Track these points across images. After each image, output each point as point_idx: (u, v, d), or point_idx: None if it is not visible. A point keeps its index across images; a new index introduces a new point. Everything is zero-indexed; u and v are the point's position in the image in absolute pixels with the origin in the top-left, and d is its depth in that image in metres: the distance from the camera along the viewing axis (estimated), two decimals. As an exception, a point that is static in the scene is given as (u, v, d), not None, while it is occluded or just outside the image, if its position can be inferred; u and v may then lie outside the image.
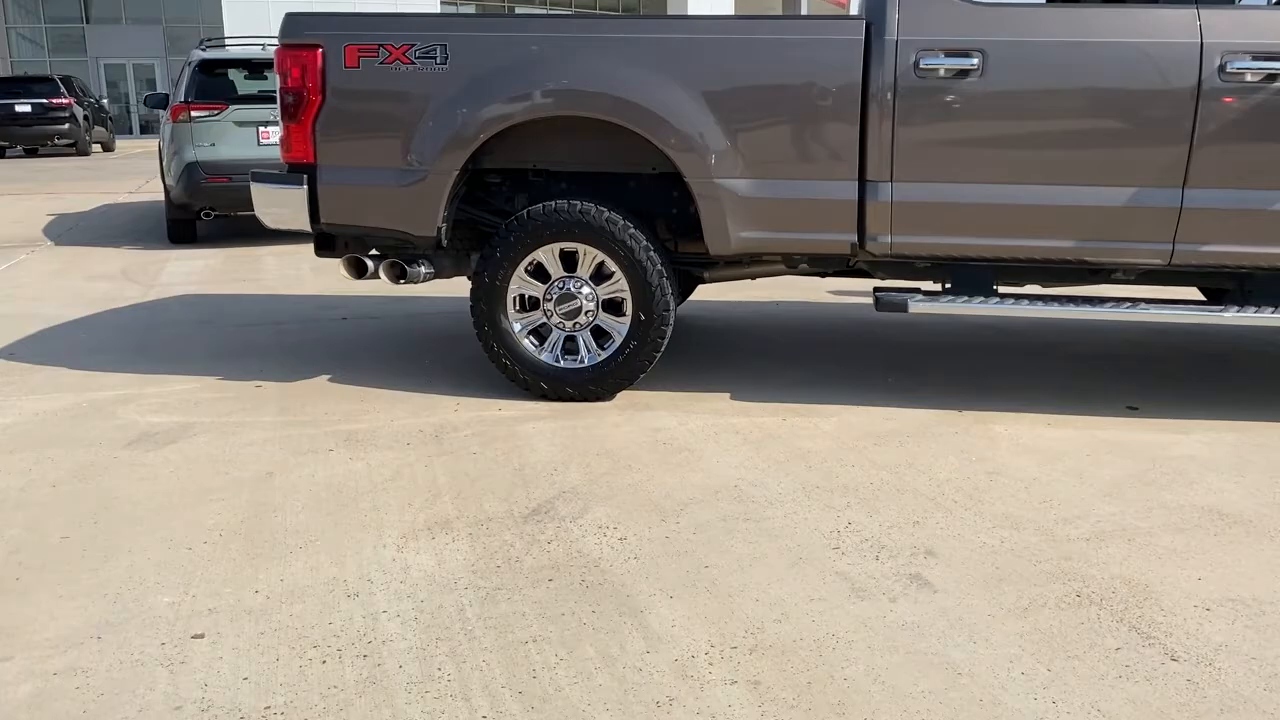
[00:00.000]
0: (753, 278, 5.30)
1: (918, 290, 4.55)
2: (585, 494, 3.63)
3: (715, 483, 3.72)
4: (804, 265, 4.87)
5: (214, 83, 9.89)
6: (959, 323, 6.30)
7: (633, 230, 4.51)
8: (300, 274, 8.24)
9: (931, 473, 3.81)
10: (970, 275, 4.52)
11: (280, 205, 4.77)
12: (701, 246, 5.01)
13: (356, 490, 3.69)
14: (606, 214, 4.51)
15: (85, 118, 24.95)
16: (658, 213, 4.88)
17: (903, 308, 4.40)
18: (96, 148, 26.06)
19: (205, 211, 9.52)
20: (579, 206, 4.52)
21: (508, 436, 4.24)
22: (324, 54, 4.56)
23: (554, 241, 4.56)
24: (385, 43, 4.52)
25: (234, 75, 10.39)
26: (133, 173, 18.15)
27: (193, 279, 8.12)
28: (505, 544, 3.24)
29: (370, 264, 4.74)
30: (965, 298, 4.44)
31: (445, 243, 4.67)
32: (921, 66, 4.20)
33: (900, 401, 4.67)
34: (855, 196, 4.35)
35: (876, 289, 4.57)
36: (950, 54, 4.19)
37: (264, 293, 7.52)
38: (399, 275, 4.74)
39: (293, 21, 4.62)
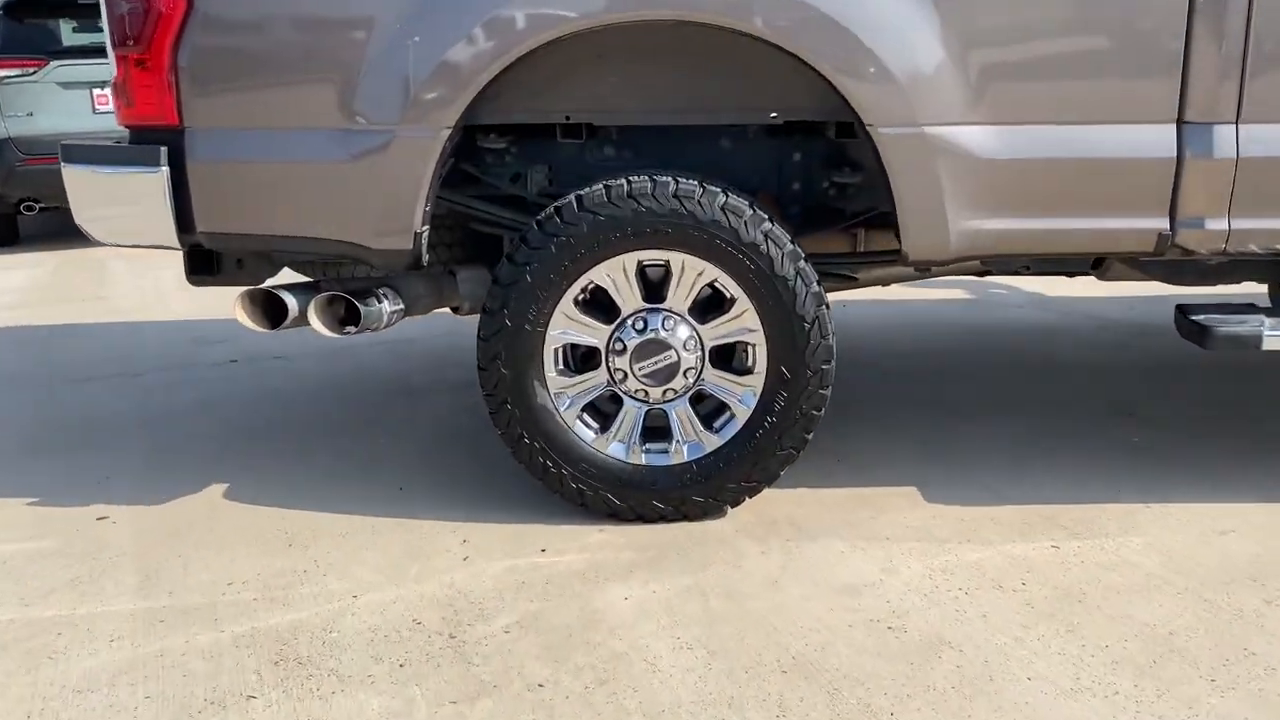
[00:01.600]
0: (885, 283, 3.43)
1: (1253, 309, 2.69)
2: (830, 811, 1.69)
3: (1077, 752, 1.82)
4: (1026, 268, 3.00)
5: (27, 32, 7.44)
6: (1122, 326, 4.53)
7: (769, 225, 2.55)
8: (162, 288, 6.00)
9: None
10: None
11: (120, 204, 2.65)
12: (833, 243, 3.13)
13: (325, 838, 1.67)
14: (724, 197, 2.53)
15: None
16: (759, 188, 2.94)
17: (1254, 343, 2.55)
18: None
19: (26, 204, 7.15)
20: (673, 186, 2.53)
21: (586, 624, 2.25)
22: (184, -79, 2.46)
23: (628, 250, 2.57)
24: (301, -104, 2.44)
25: (56, 24, 7.92)
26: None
27: (8, 300, 5.82)
28: None
29: (292, 303, 2.66)
30: (1344, 320, 2.59)
31: (426, 257, 2.63)
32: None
33: (1190, 482, 2.84)
34: (1173, 151, 2.47)
35: (1186, 310, 2.69)
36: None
37: (112, 319, 5.29)
38: (348, 320, 2.69)
39: None
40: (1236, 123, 2.44)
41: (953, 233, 2.51)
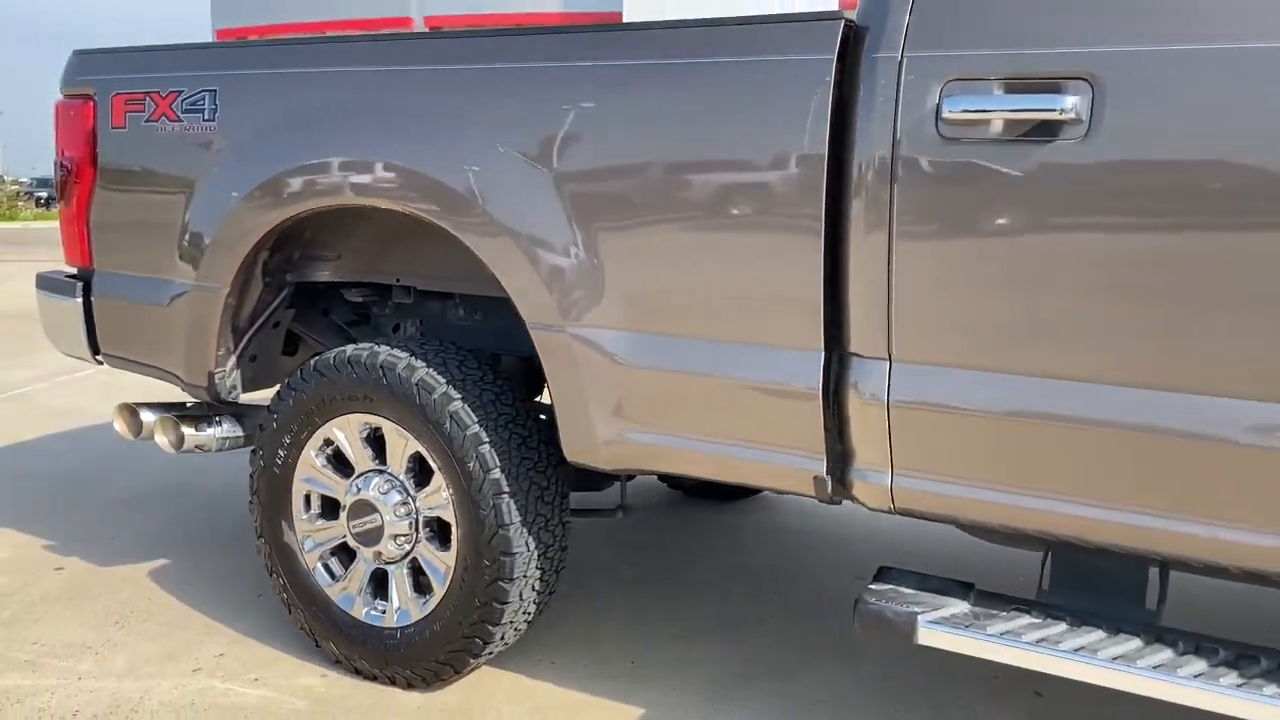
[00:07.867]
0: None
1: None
2: None
3: None
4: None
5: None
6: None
7: (458, 405, 2.56)
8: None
9: None
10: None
11: (58, 322, 3.34)
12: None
13: None
14: (422, 370, 2.60)
15: None
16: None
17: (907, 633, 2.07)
18: None
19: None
20: (381, 355, 2.65)
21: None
22: (95, 108, 3.10)
23: (348, 412, 2.72)
24: (152, 90, 2.97)
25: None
26: None
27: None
28: None
29: (147, 418, 3.15)
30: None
31: (227, 394, 2.99)
32: (947, 116, 1.92)
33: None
34: (817, 382, 2.12)
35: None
36: (1016, 88, 1.88)
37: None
38: (177, 442, 3.12)
39: (75, 62, 3.23)
40: (889, 359, 2.03)
41: (601, 440, 2.35)
